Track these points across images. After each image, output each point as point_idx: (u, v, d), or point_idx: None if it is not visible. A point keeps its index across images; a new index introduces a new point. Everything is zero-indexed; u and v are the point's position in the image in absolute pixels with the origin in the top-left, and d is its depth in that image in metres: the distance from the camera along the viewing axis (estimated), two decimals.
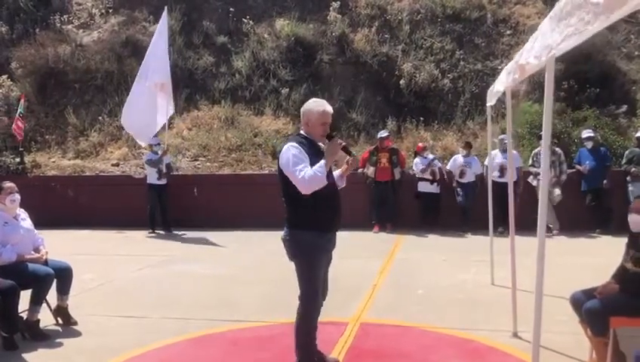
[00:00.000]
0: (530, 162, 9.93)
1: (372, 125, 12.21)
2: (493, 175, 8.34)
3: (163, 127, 10.63)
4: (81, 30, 14.67)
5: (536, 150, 9.77)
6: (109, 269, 7.38)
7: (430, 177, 10.13)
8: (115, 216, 10.66)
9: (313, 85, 12.80)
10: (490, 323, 4.91)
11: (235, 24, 14.13)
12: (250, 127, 12.37)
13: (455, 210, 10.00)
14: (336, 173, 3.85)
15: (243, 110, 12.84)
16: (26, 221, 4.99)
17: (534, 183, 9.52)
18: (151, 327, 4.97)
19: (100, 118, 12.83)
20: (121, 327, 4.98)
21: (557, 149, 9.66)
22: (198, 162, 11.89)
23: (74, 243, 8.92)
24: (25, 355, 4.33)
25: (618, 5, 1.97)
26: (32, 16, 14.81)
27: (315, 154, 3.57)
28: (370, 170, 10.16)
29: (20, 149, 11.95)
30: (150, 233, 10.29)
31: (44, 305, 4.83)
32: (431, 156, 10.33)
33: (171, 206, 10.52)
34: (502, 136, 9.58)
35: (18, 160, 11.90)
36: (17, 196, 4.84)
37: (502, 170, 9.19)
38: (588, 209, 9.69)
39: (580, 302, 3.73)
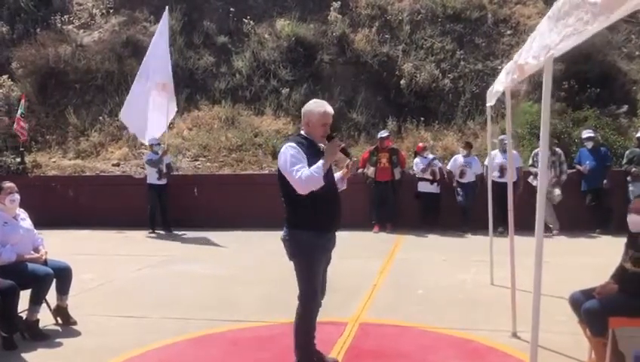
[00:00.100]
0: (530, 162, 9.93)
1: (372, 125, 12.20)
2: (493, 175, 8.34)
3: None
4: (81, 30, 14.68)
5: (536, 150, 9.75)
6: (108, 269, 7.39)
7: (430, 177, 10.13)
8: (115, 216, 10.67)
9: (313, 85, 12.81)
10: (489, 323, 4.90)
11: (235, 24, 14.13)
12: (250, 127, 12.37)
13: (455, 210, 10.00)
14: (337, 175, 3.85)
15: (243, 110, 12.85)
16: (25, 221, 4.99)
17: (534, 183, 9.50)
18: (151, 327, 4.97)
19: (101, 118, 12.85)
20: (120, 327, 4.98)
21: (557, 149, 9.67)
22: (198, 162, 11.89)
23: (74, 243, 8.93)
24: (24, 355, 4.33)
25: (616, 5, 1.97)
26: (33, 16, 14.82)
27: (314, 154, 3.57)
28: (370, 170, 10.16)
29: (21, 149, 11.96)
30: (150, 233, 10.29)
31: (44, 305, 4.83)
32: (431, 156, 10.33)
33: (171, 206, 10.52)
34: (502, 137, 9.58)
35: (19, 160, 11.92)
36: (17, 196, 4.85)
37: (502, 170, 9.19)
38: (588, 209, 9.70)
39: (579, 302, 3.73)
